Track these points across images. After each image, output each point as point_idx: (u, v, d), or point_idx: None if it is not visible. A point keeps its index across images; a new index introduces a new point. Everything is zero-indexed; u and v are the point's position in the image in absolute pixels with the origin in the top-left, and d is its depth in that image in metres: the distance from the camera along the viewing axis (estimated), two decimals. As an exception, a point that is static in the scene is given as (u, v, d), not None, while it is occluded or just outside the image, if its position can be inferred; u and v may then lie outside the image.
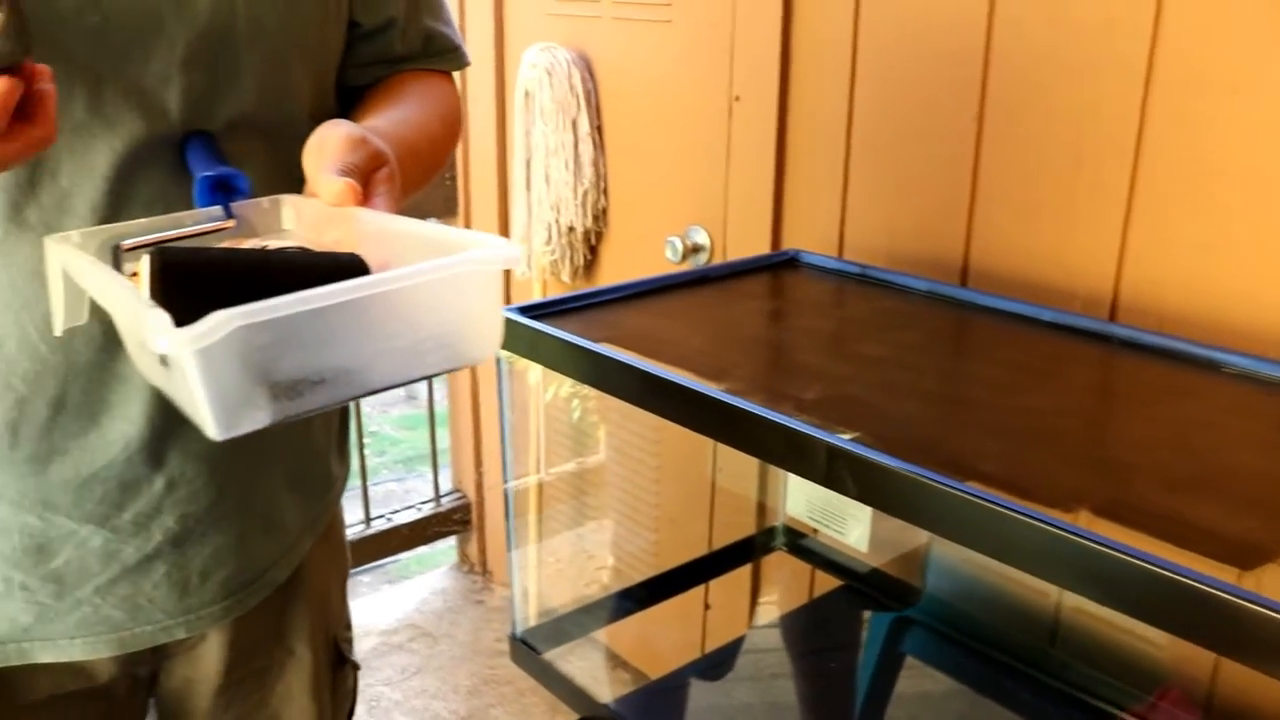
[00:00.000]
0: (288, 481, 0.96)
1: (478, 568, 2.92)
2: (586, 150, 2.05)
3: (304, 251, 0.66)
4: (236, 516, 0.91)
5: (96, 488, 0.83)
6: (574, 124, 2.04)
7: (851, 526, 1.63)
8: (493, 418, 2.70)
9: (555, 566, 1.99)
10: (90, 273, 0.64)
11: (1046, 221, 1.47)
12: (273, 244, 0.69)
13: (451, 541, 2.98)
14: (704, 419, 1.11)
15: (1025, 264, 1.50)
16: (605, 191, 2.11)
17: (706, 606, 2.18)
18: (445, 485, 2.92)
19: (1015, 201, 1.50)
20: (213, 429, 0.53)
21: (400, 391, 9.84)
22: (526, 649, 1.53)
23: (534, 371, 1.78)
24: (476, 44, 2.37)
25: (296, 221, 0.74)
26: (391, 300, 0.57)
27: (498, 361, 1.41)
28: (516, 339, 1.32)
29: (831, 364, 1.21)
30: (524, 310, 1.33)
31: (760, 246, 1.84)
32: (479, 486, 2.82)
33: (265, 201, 0.75)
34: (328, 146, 0.70)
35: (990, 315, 1.38)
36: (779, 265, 1.59)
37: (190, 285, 0.58)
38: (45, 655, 0.86)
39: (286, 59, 0.86)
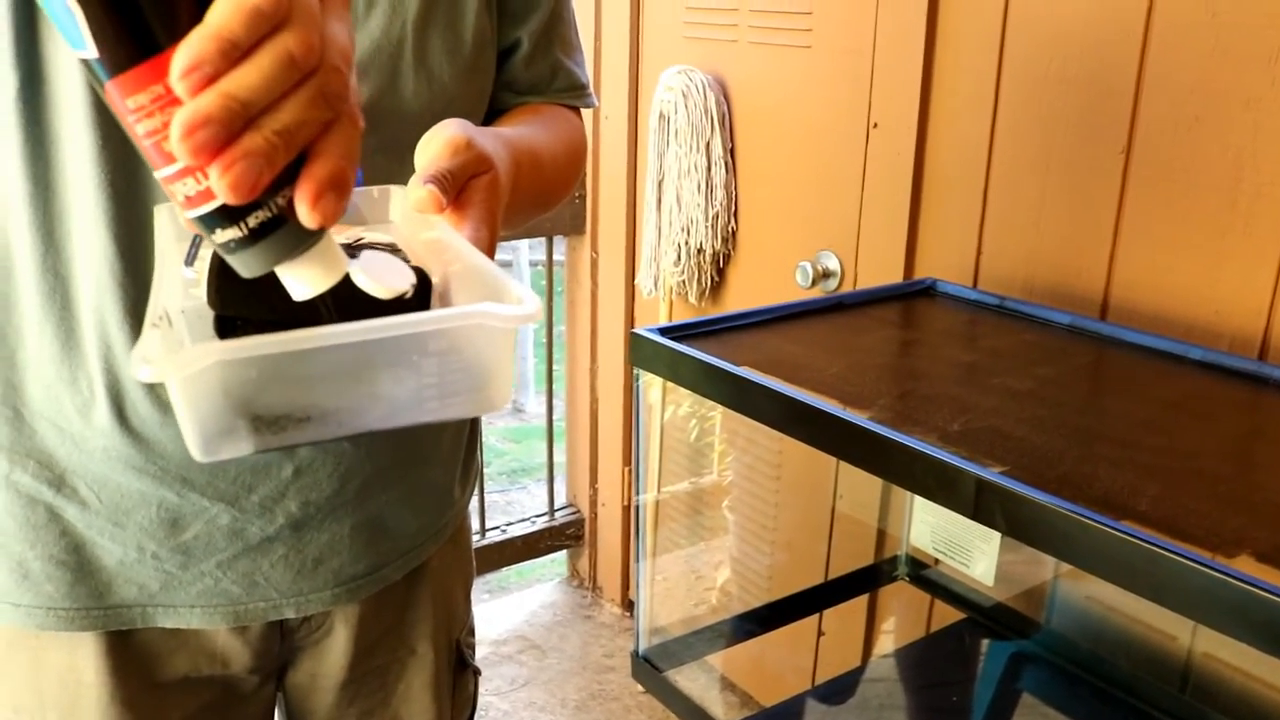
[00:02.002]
0: (405, 497, 0.99)
1: (587, 582, 2.94)
2: (719, 173, 2.07)
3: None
4: (352, 511, 0.94)
5: (232, 469, 0.88)
6: (708, 147, 2.05)
7: (978, 559, 1.61)
8: (610, 433, 2.73)
9: (670, 585, 2.00)
10: (160, 253, 0.67)
11: (1194, 258, 1.44)
12: (369, 236, 0.68)
13: (562, 555, 3.01)
14: (848, 446, 1.11)
15: (1169, 300, 1.48)
16: (736, 214, 2.12)
17: (820, 633, 2.17)
18: (559, 499, 2.95)
19: (1162, 237, 1.47)
20: (194, 451, 0.54)
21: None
22: (649, 667, 1.54)
23: (654, 390, 1.80)
24: (611, 65, 2.41)
25: (402, 214, 0.74)
26: (388, 346, 0.55)
27: (635, 379, 1.42)
28: (656, 360, 1.33)
29: (975, 396, 1.20)
30: (664, 331, 1.35)
31: (893, 273, 1.83)
32: (593, 501, 2.84)
33: (375, 191, 0.76)
34: (430, 147, 0.69)
35: (1135, 351, 1.36)
36: (916, 293, 1.59)
37: (241, 288, 0.58)
38: (167, 620, 0.91)
39: (446, 82, 0.89)
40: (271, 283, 0.54)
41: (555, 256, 2.81)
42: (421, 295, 0.62)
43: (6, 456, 0.87)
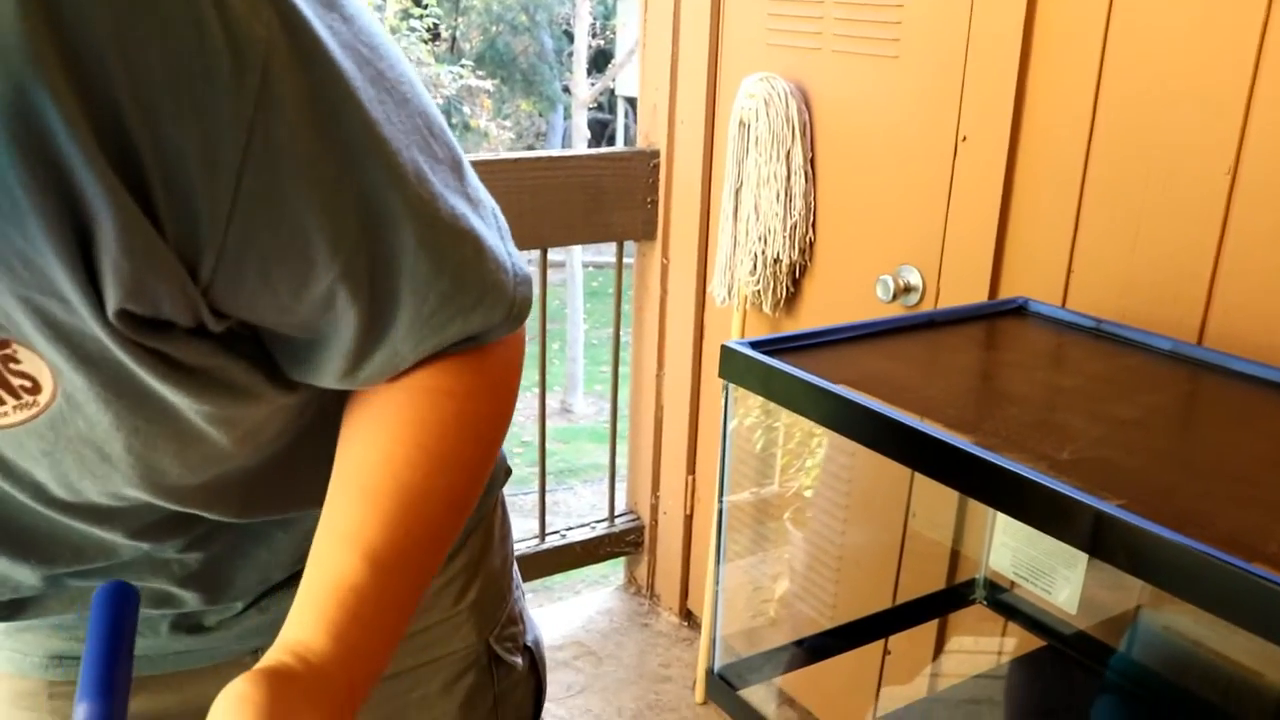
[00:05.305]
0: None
1: (645, 590, 2.92)
2: (798, 183, 2.03)
3: None
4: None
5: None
6: (788, 156, 2.02)
7: (1061, 586, 1.57)
8: (674, 442, 2.70)
9: (729, 596, 1.97)
10: None
11: (1304, 284, 1.39)
12: None
13: (619, 561, 2.99)
14: (953, 472, 1.08)
15: (1274, 327, 1.43)
16: (814, 225, 2.09)
17: (886, 651, 2.13)
18: (618, 505, 2.93)
19: (1268, 261, 1.42)
20: None
21: (555, 404, 9.92)
22: (724, 685, 1.51)
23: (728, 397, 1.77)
24: (689, 70, 2.38)
25: None
26: None
27: (725, 389, 1.40)
28: (748, 374, 1.31)
29: (1080, 423, 1.16)
30: (755, 345, 1.32)
31: (977, 289, 1.79)
32: (654, 509, 2.82)
33: None
34: None
35: (1241, 380, 1.31)
36: (1007, 312, 1.55)
37: None
38: None
39: (159, 461, 0.68)
40: None
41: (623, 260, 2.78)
42: None
43: None
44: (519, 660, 1.05)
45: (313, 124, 0.57)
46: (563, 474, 6.30)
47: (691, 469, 2.66)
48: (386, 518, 0.67)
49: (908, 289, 1.90)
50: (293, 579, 0.86)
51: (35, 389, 0.59)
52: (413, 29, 12.07)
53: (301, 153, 0.57)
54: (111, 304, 0.55)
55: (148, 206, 0.53)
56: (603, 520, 2.87)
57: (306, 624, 0.64)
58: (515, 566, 1.08)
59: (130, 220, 0.53)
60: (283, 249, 0.59)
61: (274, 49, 0.55)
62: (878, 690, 2.16)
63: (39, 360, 0.58)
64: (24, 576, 0.74)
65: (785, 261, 2.09)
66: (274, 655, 0.62)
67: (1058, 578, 1.55)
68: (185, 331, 0.60)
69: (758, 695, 1.64)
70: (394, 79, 0.63)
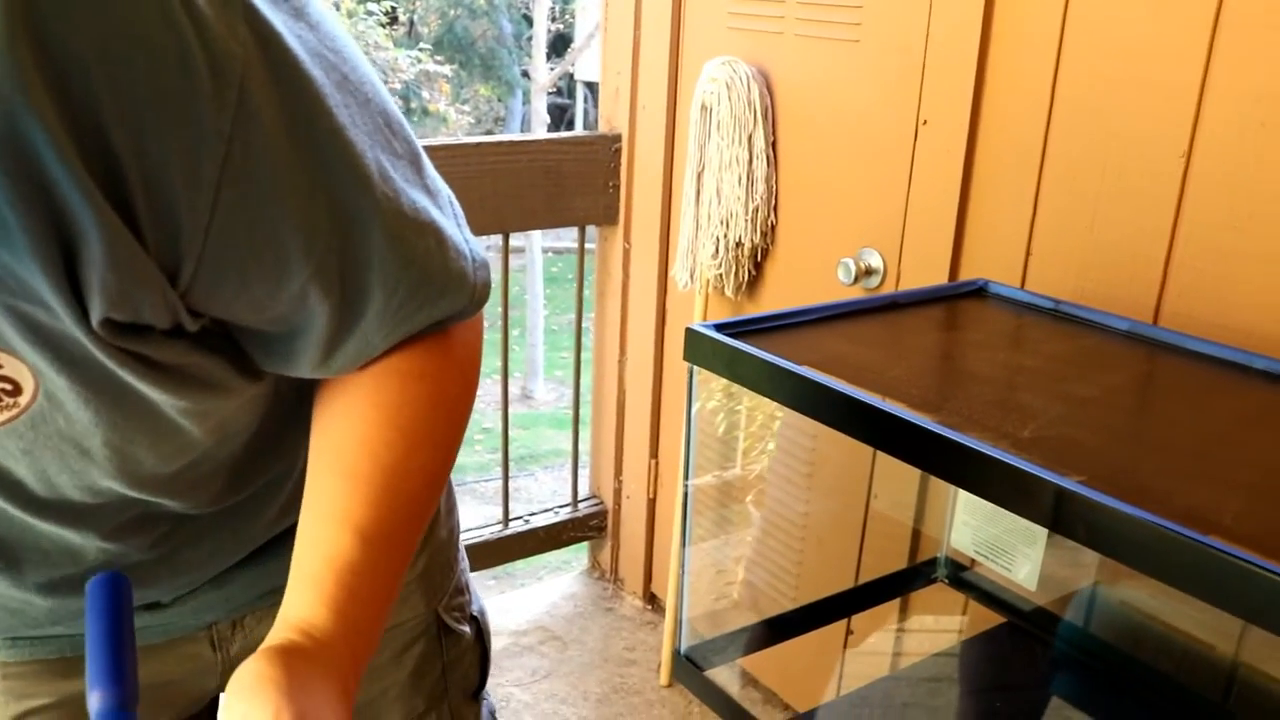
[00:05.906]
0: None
1: (609, 575, 2.93)
2: (760, 167, 2.04)
3: None
4: (267, 554, 0.90)
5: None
6: (750, 140, 2.03)
7: (1021, 563, 1.59)
8: (636, 426, 2.71)
9: (693, 579, 1.98)
10: None
11: (1256, 265, 1.42)
12: None
13: (583, 546, 2.99)
14: (918, 452, 1.09)
15: (1226, 307, 1.45)
16: (776, 209, 2.10)
17: (849, 631, 2.15)
18: (581, 490, 2.93)
19: (1221, 243, 1.45)
20: None
21: (515, 390, 9.90)
22: (691, 666, 1.52)
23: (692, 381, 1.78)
24: (651, 54, 2.38)
25: None
26: None
27: (690, 372, 1.41)
28: (714, 357, 1.31)
29: (1040, 402, 1.18)
30: (720, 328, 1.33)
31: (937, 272, 1.81)
32: (617, 494, 2.82)
33: None
34: None
35: (1197, 360, 1.34)
36: (967, 294, 1.57)
37: None
38: None
39: (136, 452, 0.70)
40: None
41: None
42: None
43: None
44: (466, 630, 1.07)
45: (287, 134, 0.59)
46: (524, 460, 6.28)
47: (654, 453, 2.67)
48: (371, 497, 0.70)
49: (869, 271, 1.92)
50: (248, 558, 0.89)
51: (16, 391, 0.60)
52: (370, 13, 11.96)
53: (276, 162, 0.59)
54: (96, 314, 0.56)
55: (130, 220, 0.55)
56: (566, 505, 2.87)
57: (307, 602, 0.67)
58: (460, 539, 1.09)
59: (116, 236, 0.54)
60: (259, 253, 0.61)
61: (250, 65, 0.56)
62: (840, 669, 2.18)
63: (20, 364, 0.59)
64: None
65: (747, 245, 2.10)
66: (281, 633, 0.65)
67: (1018, 555, 1.57)
68: (162, 333, 0.62)
69: (721, 676, 1.66)
70: (357, 81, 0.65)
